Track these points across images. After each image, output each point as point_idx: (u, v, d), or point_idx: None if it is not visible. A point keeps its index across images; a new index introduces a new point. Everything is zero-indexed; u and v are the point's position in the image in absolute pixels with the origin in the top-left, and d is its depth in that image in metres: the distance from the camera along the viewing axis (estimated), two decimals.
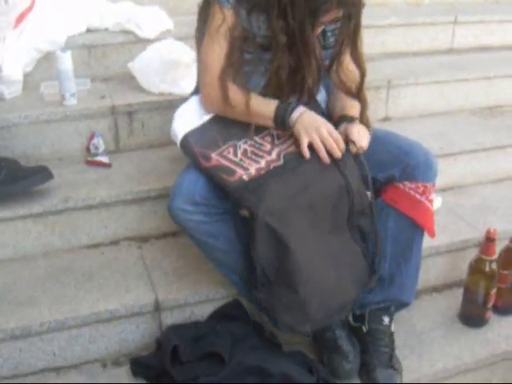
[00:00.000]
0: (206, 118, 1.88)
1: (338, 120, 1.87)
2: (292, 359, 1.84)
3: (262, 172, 1.73)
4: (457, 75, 2.95)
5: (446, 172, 2.56)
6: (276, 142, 1.82)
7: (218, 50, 1.79)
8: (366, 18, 3.02)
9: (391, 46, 3.12)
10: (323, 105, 2.01)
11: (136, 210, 2.20)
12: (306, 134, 1.74)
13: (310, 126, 1.75)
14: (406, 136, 1.98)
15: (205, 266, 2.02)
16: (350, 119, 1.85)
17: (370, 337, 1.96)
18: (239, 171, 1.73)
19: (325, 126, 1.75)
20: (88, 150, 2.34)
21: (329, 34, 1.87)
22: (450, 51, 3.28)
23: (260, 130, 1.84)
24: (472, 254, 2.16)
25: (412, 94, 2.85)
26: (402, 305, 2.04)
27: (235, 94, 1.80)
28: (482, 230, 2.11)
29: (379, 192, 1.94)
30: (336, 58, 1.87)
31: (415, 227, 1.93)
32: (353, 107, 1.91)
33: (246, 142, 1.81)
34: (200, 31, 1.89)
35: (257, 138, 1.82)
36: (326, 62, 1.88)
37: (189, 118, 1.90)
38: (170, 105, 2.41)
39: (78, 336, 1.92)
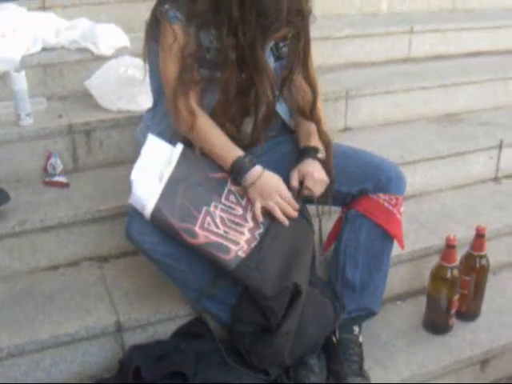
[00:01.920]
0: (166, 175, 1.79)
1: (301, 152, 1.93)
2: (257, 374, 1.82)
3: (253, 245, 1.78)
4: (414, 84, 2.98)
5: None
6: (242, 202, 1.85)
7: (173, 69, 1.79)
8: (324, 29, 3.11)
9: (349, 57, 3.15)
10: (284, 116, 2.02)
11: (95, 229, 2.17)
12: (260, 200, 1.81)
13: (264, 192, 1.81)
14: (370, 152, 2.04)
15: (166, 285, 2.00)
16: (313, 153, 1.90)
17: (340, 346, 1.96)
18: (232, 247, 1.75)
19: (277, 193, 1.81)
20: (45, 170, 2.31)
21: (281, 44, 1.88)
22: (407, 60, 3.32)
23: (218, 185, 1.84)
24: (434, 261, 2.17)
25: (370, 103, 2.87)
26: (371, 314, 2.05)
27: (187, 115, 1.81)
28: (443, 237, 2.12)
29: (352, 204, 2.00)
30: (287, 78, 1.87)
31: (386, 237, 1.99)
32: (315, 134, 1.95)
33: (216, 207, 1.79)
34: (148, 49, 1.89)
35: (224, 201, 1.82)
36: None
37: (149, 180, 1.79)
38: (127, 122, 2.42)
39: (39, 360, 1.88)
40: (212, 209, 1.78)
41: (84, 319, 1.92)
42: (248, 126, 1.88)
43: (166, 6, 1.78)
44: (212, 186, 1.83)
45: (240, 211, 1.83)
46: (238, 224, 1.80)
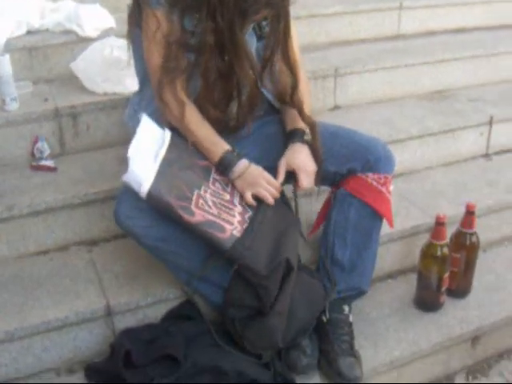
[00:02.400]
0: (161, 154, 1.77)
1: (288, 136, 1.94)
2: (247, 356, 1.82)
3: (245, 226, 1.79)
4: (404, 61, 2.96)
5: (396, 158, 2.57)
6: (228, 189, 1.87)
7: (157, 57, 1.77)
8: (311, 7, 3.08)
9: (337, 35, 3.13)
10: (270, 97, 2.01)
11: (84, 213, 2.16)
12: (250, 189, 1.84)
13: (252, 182, 1.84)
14: (359, 131, 2.02)
15: (156, 267, 1.99)
16: (300, 136, 1.91)
17: (330, 326, 1.96)
18: (227, 226, 1.76)
19: (264, 179, 1.85)
20: (32, 154, 2.29)
21: (264, 23, 1.85)
22: (396, 37, 3.30)
23: (205, 172, 1.84)
24: (424, 239, 2.16)
25: (360, 81, 2.85)
26: (361, 293, 2.06)
27: (174, 105, 1.80)
28: (433, 214, 2.11)
29: (340, 183, 2.00)
30: (268, 60, 1.85)
31: (375, 216, 1.99)
32: (296, 118, 1.95)
33: (206, 191, 1.80)
34: (132, 35, 1.87)
35: (211, 186, 1.82)
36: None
37: (145, 158, 1.76)
38: (114, 104, 2.40)
39: (29, 346, 1.87)
40: (202, 192, 1.78)
41: (74, 304, 1.91)
42: (234, 108, 1.87)
43: None
44: (200, 172, 1.83)
45: (227, 197, 1.84)
46: (227, 207, 1.81)
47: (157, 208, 1.73)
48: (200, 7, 1.67)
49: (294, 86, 1.89)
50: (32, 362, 1.89)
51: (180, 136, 1.85)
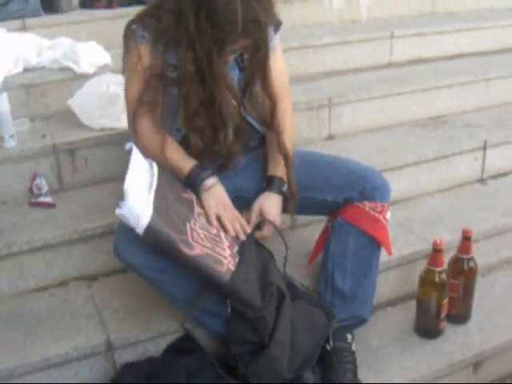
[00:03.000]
0: (154, 185, 1.75)
1: (267, 182, 1.99)
2: None
3: (237, 259, 1.80)
4: (396, 89, 2.99)
5: (392, 186, 2.56)
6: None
7: (134, 89, 1.83)
8: (303, 38, 3.12)
9: (330, 65, 3.16)
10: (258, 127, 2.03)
11: (83, 248, 2.16)
12: (215, 208, 1.86)
13: (219, 201, 1.88)
14: (354, 160, 2.06)
15: (156, 302, 2.00)
16: (276, 186, 1.96)
17: (334, 355, 1.95)
18: (223, 259, 1.75)
19: (230, 209, 1.90)
20: (31, 191, 2.30)
21: (245, 56, 1.88)
22: (388, 65, 3.33)
23: (189, 204, 1.86)
24: (423, 265, 2.17)
25: (353, 110, 2.88)
26: (362, 321, 2.06)
27: (148, 136, 1.85)
28: (431, 241, 2.11)
29: (337, 213, 2.01)
30: (247, 88, 1.88)
31: (374, 244, 2.00)
32: (279, 163, 1.97)
33: (195, 224, 1.79)
34: (124, 63, 1.92)
35: (197, 219, 1.82)
36: None
37: (140, 190, 1.72)
38: (111, 140, 2.42)
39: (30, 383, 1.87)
40: (193, 225, 1.78)
41: (74, 339, 1.91)
42: (226, 137, 1.90)
43: (134, 26, 1.81)
44: (186, 205, 1.84)
45: (214, 230, 1.84)
46: (217, 241, 1.81)
47: (153, 243, 1.68)
48: (181, 38, 1.70)
49: (272, 111, 1.91)
50: None
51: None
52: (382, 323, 2.23)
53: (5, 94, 2.31)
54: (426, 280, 2.10)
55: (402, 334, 2.19)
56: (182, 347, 1.93)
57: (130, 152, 1.79)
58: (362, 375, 1.97)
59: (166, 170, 1.86)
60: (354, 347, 2.00)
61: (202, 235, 1.77)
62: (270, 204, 1.94)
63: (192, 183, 1.88)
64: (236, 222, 1.88)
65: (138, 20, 1.81)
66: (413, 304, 2.23)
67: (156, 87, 1.80)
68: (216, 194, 1.88)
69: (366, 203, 1.96)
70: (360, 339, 2.09)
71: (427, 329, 2.17)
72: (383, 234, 2.00)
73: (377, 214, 1.96)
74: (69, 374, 1.91)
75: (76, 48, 2.70)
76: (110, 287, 2.15)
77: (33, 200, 2.29)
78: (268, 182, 1.98)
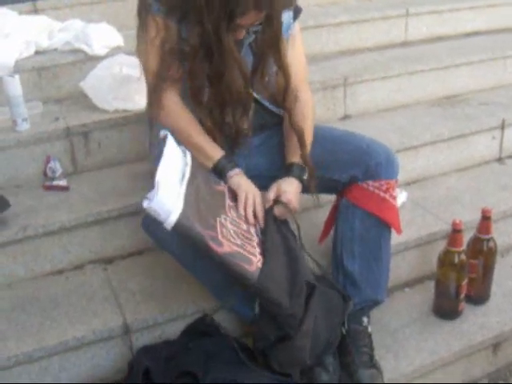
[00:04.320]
0: (186, 177, 1.68)
1: (287, 168, 1.90)
2: (267, 372, 1.80)
3: (264, 257, 1.72)
4: (412, 67, 2.95)
5: (408, 166, 2.57)
6: (242, 217, 1.81)
7: (153, 62, 1.80)
8: (319, 17, 3.08)
9: (345, 44, 3.12)
10: (275, 108, 2.00)
11: (98, 231, 2.15)
12: (243, 189, 1.81)
13: (247, 184, 1.83)
14: (364, 135, 1.99)
15: (173, 283, 1.99)
16: (296, 172, 1.88)
17: (350, 338, 1.93)
18: (252, 258, 1.69)
19: (258, 195, 1.83)
20: (45, 174, 2.29)
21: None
22: (404, 44, 3.29)
23: (221, 197, 1.80)
24: (441, 246, 2.14)
25: (369, 90, 2.84)
26: (376, 303, 2.03)
27: (177, 112, 1.82)
28: (449, 221, 2.10)
29: (343, 193, 1.96)
30: (258, 67, 1.84)
31: (382, 225, 1.94)
32: (297, 149, 1.91)
33: (226, 220, 1.72)
34: (139, 38, 1.88)
35: (229, 214, 1.76)
36: None
37: (172, 183, 1.64)
38: (125, 121, 2.40)
39: (47, 367, 1.87)
40: (223, 220, 1.71)
41: (91, 323, 1.91)
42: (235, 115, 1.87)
43: (149, 0, 1.77)
44: (217, 198, 1.78)
45: (244, 226, 1.78)
46: (248, 238, 1.75)
47: (183, 236, 1.62)
48: (190, 12, 1.68)
49: (286, 86, 1.88)
50: (51, 382, 1.88)
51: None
52: (399, 304, 2.22)
53: (17, 77, 2.29)
54: (446, 261, 2.08)
55: (420, 316, 2.17)
56: (200, 329, 1.91)
57: (164, 140, 1.73)
58: (380, 357, 1.95)
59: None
60: (370, 329, 1.98)
61: (232, 231, 1.71)
62: (288, 186, 1.85)
63: (218, 174, 1.83)
64: (260, 211, 1.82)
65: None
66: (431, 285, 2.21)
67: (170, 63, 1.77)
68: (240, 179, 1.83)
69: (370, 183, 1.89)
70: (378, 321, 2.08)
71: (446, 310, 2.15)
72: (390, 214, 1.93)
73: (382, 193, 1.89)
74: (86, 358, 1.90)
75: (88, 30, 2.67)
76: (126, 270, 2.15)
77: (47, 183, 2.28)
78: (287, 169, 1.90)
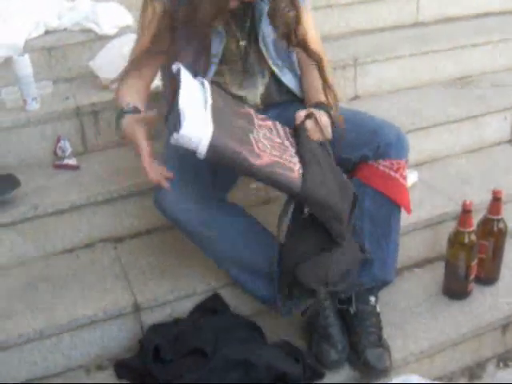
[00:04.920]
0: (209, 101, 1.62)
1: (317, 104, 1.86)
2: (277, 349, 1.82)
3: (304, 165, 1.69)
4: (424, 48, 2.92)
5: (419, 146, 2.55)
6: (274, 133, 1.77)
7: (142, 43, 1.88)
8: None
9: (356, 24, 3.09)
10: (292, 86, 1.99)
11: (108, 210, 2.16)
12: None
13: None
14: (374, 115, 1.97)
15: (182, 262, 2.00)
16: (324, 107, 1.83)
17: (357, 318, 1.94)
18: (293, 166, 1.66)
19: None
20: (55, 153, 2.30)
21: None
22: (415, 24, 3.25)
23: (249, 118, 1.76)
24: (451, 227, 2.14)
25: (380, 70, 2.82)
26: (385, 283, 2.03)
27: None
28: (459, 202, 2.08)
29: (354, 172, 1.95)
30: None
31: (392, 204, 1.93)
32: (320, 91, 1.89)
33: (259, 135, 1.69)
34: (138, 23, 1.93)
35: (260, 130, 1.72)
36: None
37: (197, 108, 1.60)
38: None
39: (58, 344, 1.89)
40: (256, 136, 1.68)
41: (101, 301, 1.92)
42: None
43: None
44: (245, 119, 1.74)
45: (278, 139, 1.75)
46: (283, 148, 1.72)
47: (218, 160, 1.58)
48: None
49: (297, 17, 1.87)
50: (61, 359, 1.91)
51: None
52: (409, 284, 2.22)
53: (26, 57, 2.29)
54: (456, 241, 2.07)
55: (429, 296, 2.16)
56: (210, 307, 1.93)
57: (178, 73, 1.68)
58: (390, 336, 1.95)
59: (218, 87, 1.80)
60: (378, 309, 1.97)
61: (268, 145, 1.67)
62: (319, 112, 1.81)
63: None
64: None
65: None
66: (440, 266, 2.20)
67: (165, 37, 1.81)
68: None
69: (381, 161, 1.87)
70: (387, 300, 2.08)
71: (455, 290, 2.15)
72: (401, 193, 1.92)
73: (392, 173, 1.87)
74: (96, 335, 1.92)
75: (97, 9, 2.67)
76: (135, 248, 2.16)
77: (57, 162, 2.29)
78: (316, 105, 1.86)
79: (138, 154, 1.71)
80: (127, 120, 1.74)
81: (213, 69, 1.87)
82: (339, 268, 1.79)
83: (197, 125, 1.53)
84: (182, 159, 1.71)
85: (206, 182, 1.79)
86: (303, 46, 1.91)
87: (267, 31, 1.87)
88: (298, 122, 1.80)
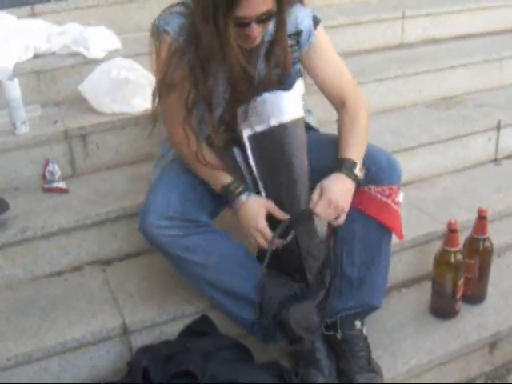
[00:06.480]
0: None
1: (336, 164, 1.82)
2: (265, 370, 1.82)
3: None
4: (409, 69, 2.97)
5: (405, 167, 2.52)
6: None
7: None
8: None
9: (342, 46, 3.09)
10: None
11: (96, 233, 2.17)
12: (244, 228, 1.81)
13: (245, 223, 1.79)
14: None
15: (170, 285, 2.01)
16: (347, 166, 1.80)
17: (345, 343, 1.93)
18: None
19: (254, 229, 1.78)
20: (44, 177, 2.30)
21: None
22: (400, 46, 3.31)
23: None
24: (437, 246, 2.16)
25: (366, 91, 2.82)
26: (372, 309, 2.02)
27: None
28: (445, 221, 2.10)
29: None
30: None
31: (383, 229, 1.92)
32: (353, 145, 1.84)
33: None
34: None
35: None
36: None
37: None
38: (123, 124, 2.42)
39: (47, 367, 1.88)
40: None
41: (90, 323, 1.92)
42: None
43: (156, 22, 1.77)
44: None
45: None
46: None
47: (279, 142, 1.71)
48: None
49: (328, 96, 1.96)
50: (51, 382, 1.90)
51: None
52: (396, 304, 2.23)
53: (16, 81, 2.31)
54: (442, 260, 2.09)
55: (416, 315, 2.18)
56: (198, 329, 1.93)
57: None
58: (378, 356, 1.96)
59: None
60: (365, 332, 1.97)
61: None
62: (332, 183, 1.78)
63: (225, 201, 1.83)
64: (257, 236, 1.79)
65: (161, 16, 1.78)
66: (427, 285, 2.22)
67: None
68: (240, 217, 1.80)
69: (372, 187, 1.86)
70: (375, 320, 2.08)
71: (442, 309, 2.16)
72: (393, 219, 1.91)
73: (384, 198, 1.86)
74: (85, 358, 1.92)
75: (86, 33, 2.69)
76: (124, 271, 2.16)
77: (46, 186, 2.29)
78: (337, 164, 1.81)
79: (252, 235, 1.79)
80: (254, 200, 1.79)
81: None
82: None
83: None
84: (171, 183, 1.75)
85: (194, 206, 1.80)
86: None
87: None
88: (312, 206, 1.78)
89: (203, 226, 1.82)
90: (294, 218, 1.78)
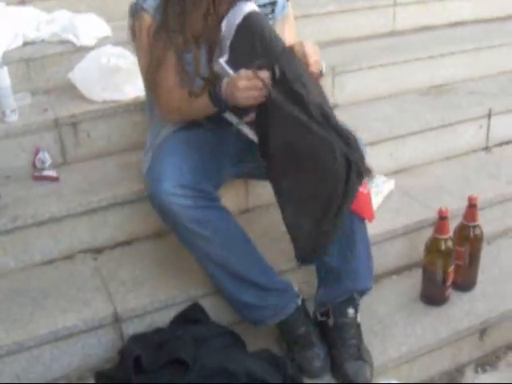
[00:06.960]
0: None
1: None
2: (257, 357, 1.83)
3: None
4: (400, 57, 2.97)
5: (396, 154, 2.59)
6: None
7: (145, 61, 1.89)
8: (307, 6, 3.08)
9: (333, 34, 3.13)
10: None
11: (87, 221, 2.16)
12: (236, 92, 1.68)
13: (231, 87, 1.67)
14: None
15: (162, 273, 2.01)
16: None
17: (336, 330, 1.94)
18: None
19: (239, 79, 1.65)
20: (34, 165, 2.29)
21: None
22: (392, 34, 3.30)
23: None
24: (428, 233, 2.16)
25: (357, 79, 2.85)
26: (363, 292, 2.01)
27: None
28: (436, 209, 2.11)
29: None
30: None
31: (352, 214, 1.85)
32: None
33: None
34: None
35: None
36: None
37: None
38: (113, 112, 2.41)
39: (39, 356, 1.88)
40: None
41: (81, 312, 1.92)
42: None
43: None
44: None
45: None
46: None
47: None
48: None
49: None
50: (42, 371, 1.90)
51: None
52: (387, 291, 2.24)
53: (5, 69, 2.29)
54: (432, 248, 2.10)
55: (407, 302, 2.19)
56: (190, 317, 1.94)
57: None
58: (368, 343, 1.97)
59: None
60: (359, 319, 1.97)
61: None
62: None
63: (218, 102, 1.76)
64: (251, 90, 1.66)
65: None
66: (418, 272, 2.23)
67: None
68: (226, 88, 1.70)
69: None
70: (366, 307, 2.09)
71: (433, 296, 2.17)
72: (359, 202, 1.81)
73: None
74: (77, 346, 1.92)
75: (75, 21, 2.67)
76: (115, 259, 2.16)
77: (36, 174, 2.28)
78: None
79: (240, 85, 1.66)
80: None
81: None
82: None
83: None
84: (179, 154, 1.79)
85: (203, 177, 1.78)
86: None
87: None
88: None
89: (213, 200, 1.81)
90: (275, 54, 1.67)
